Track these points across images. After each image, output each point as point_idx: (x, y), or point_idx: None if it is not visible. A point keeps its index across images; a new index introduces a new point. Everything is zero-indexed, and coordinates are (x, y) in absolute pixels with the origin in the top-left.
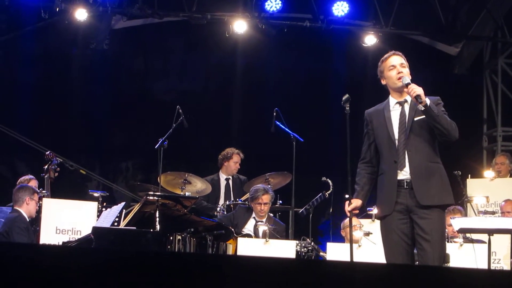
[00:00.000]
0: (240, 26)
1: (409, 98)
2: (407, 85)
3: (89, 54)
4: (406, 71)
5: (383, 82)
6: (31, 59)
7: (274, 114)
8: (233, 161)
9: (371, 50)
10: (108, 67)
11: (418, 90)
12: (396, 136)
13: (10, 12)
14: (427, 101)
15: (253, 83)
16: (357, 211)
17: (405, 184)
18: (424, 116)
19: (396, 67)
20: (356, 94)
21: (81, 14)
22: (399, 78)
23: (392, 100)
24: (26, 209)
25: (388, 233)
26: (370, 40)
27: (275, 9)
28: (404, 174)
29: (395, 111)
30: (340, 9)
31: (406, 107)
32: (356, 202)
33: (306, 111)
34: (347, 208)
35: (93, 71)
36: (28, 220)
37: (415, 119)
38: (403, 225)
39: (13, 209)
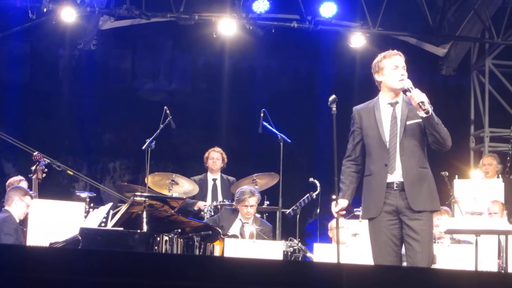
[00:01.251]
0: (227, 26)
1: (401, 100)
2: (408, 89)
3: (77, 55)
4: (406, 74)
5: (378, 78)
6: (18, 59)
7: (262, 114)
8: (209, 158)
9: (359, 51)
10: (96, 67)
11: (422, 97)
12: (387, 138)
13: None
14: (429, 108)
15: (241, 84)
16: (344, 212)
17: (395, 185)
18: (417, 121)
19: (399, 67)
20: (344, 95)
21: (68, 15)
22: (401, 80)
23: (383, 99)
24: (15, 209)
25: (377, 234)
26: (357, 41)
27: (262, 10)
28: (394, 177)
29: (386, 111)
30: (327, 10)
31: (398, 109)
32: (343, 203)
33: (294, 112)
34: (334, 209)
35: (81, 71)
36: (17, 220)
37: (408, 123)
38: (392, 226)
39: (3, 209)
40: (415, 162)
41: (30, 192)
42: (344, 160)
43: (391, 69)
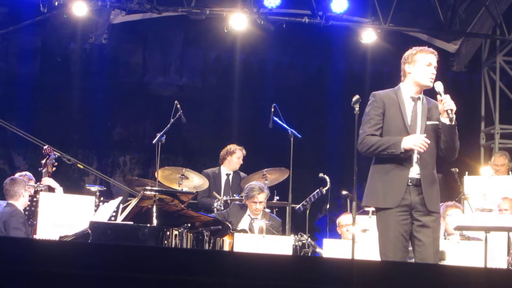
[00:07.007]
0: (238, 21)
1: (422, 97)
2: (440, 93)
3: (88, 49)
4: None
5: (408, 69)
6: (30, 53)
7: (272, 109)
8: (236, 156)
9: (370, 47)
10: (107, 61)
11: (452, 104)
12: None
13: (9, 5)
14: (454, 117)
15: (252, 79)
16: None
17: (414, 181)
18: (435, 123)
19: (432, 65)
20: (354, 90)
21: (80, 8)
22: (432, 79)
23: (406, 92)
24: (22, 201)
25: (387, 228)
26: (368, 36)
27: (274, 5)
28: (412, 173)
29: (408, 105)
30: (339, 6)
31: (419, 105)
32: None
33: (304, 107)
34: (420, 138)
35: (92, 65)
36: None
37: (427, 123)
38: (403, 221)
39: (8, 203)
40: (431, 162)
41: (41, 185)
42: (367, 136)
43: (425, 64)
